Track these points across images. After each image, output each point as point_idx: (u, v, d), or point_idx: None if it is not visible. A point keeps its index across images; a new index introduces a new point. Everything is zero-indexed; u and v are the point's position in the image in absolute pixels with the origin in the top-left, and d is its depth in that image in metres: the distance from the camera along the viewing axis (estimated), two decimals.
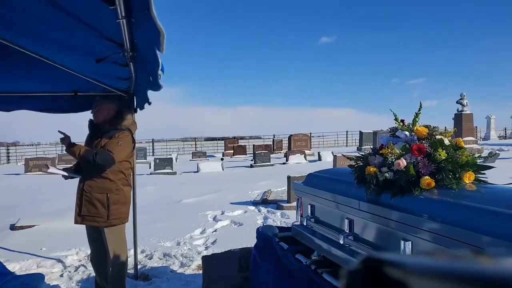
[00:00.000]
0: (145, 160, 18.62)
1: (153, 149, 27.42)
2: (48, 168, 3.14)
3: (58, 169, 3.28)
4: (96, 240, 3.26)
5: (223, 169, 14.83)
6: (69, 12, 1.77)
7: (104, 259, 3.30)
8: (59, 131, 3.20)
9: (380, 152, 1.73)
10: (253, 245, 2.81)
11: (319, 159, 17.85)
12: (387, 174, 1.63)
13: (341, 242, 1.83)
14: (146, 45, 1.87)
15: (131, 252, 4.06)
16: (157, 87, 2.89)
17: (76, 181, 3.29)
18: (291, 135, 24.12)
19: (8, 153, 25.83)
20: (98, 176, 3.11)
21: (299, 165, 15.71)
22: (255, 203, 7.71)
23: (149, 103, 3.59)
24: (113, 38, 1.99)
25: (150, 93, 3.10)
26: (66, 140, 3.13)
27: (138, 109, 3.75)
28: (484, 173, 1.60)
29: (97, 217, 3.11)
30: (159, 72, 2.30)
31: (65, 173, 3.19)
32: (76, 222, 3.18)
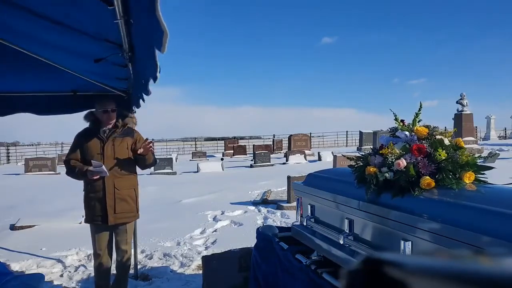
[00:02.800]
0: None
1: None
2: (101, 166, 2.98)
3: (104, 168, 3.06)
4: (107, 239, 3.26)
5: (223, 169, 14.82)
6: (68, 13, 1.77)
7: (109, 258, 3.29)
8: (149, 142, 3.14)
9: (380, 152, 1.72)
10: (253, 245, 2.81)
11: (319, 159, 17.85)
12: (387, 174, 1.63)
13: (341, 242, 1.83)
14: (144, 46, 1.87)
15: (131, 252, 4.06)
16: (146, 91, 2.91)
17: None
18: (291, 135, 24.11)
19: (8, 153, 25.83)
20: (127, 172, 3.19)
21: (299, 165, 15.70)
22: (255, 203, 7.71)
23: (137, 108, 3.64)
24: (112, 39, 1.99)
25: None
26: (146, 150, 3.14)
27: (134, 107, 3.75)
28: (484, 173, 1.60)
29: (129, 213, 3.20)
30: (158, 74, 2.29)
31: (107, 173, 3.06)
32: (110, 222, 3.12)
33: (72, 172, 3.16)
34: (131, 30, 1.81)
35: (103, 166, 3.00)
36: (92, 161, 3.03)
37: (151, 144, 3.14)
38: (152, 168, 14.59)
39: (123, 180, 3.16)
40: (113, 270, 3.39)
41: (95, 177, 3.07)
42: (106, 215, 3.10)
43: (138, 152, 3.13)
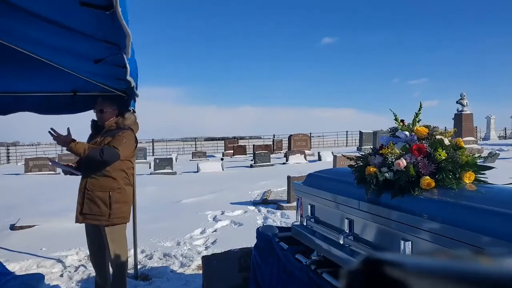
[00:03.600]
0: (145, 160, 18.61)
1: (153, 149, 27.41)
2: (50, 161, 3.16)
3: (59, 163, 3.28)
4: (96, 239, 3.25)
5: (223, 169, 14.82)
6: (68, 14, 1.77)
7: (103, 259, 3.30)
8: (51, 129, 3.02)
9: (380, 152, 1.72)
10: (253, 245, 2.81)
11: (319, 159, 17.85)
12: (387, 174, 1.63)
13: (341, 242, 1.83)
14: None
15: (131, 252, 4.05)
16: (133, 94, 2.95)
17: (77, 180, 3.28)
18: (291, 135, 24.11)
19: (8, 153, 25.83)
20: (101, 174, 3.10)
21: (299, 165, 15.70)
22: (255, 203, 7.71)
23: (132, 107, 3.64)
24: (111, 40, 1.99)
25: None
26: (63, 138, 3.00)
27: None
28: (484, 173, 1.60)
29: (99, 216, 3.10)
30: (129, 78, 2.31)
31: (67, 169, 3.16)
32: (77, 221, 3.15)
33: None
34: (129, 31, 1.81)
35: (52, 161, 3.33)
36: (48, 157, 3.18)
37: (51, 132, 3.01)
38: (152, 168, 14.61)
39: (96, 181, 3.10)
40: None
41: (67, 174, 3.28)
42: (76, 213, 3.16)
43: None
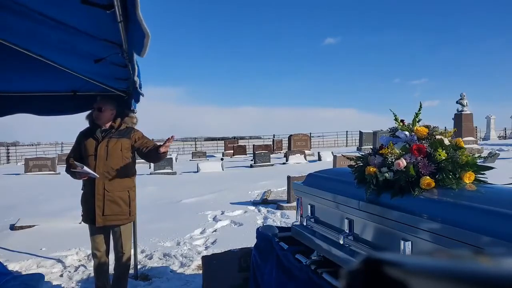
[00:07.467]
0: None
1: None
2: (83, 167, 2.95)
3: (88, 169, 3.05)
4: (104, 240, 3.26)
5: (223, 169, 14.82)
6: (68, 13, 1.77)
7: (106, 259, 3.30)
8: (170, 138, 3.02)
9: (380, 152, 1.72)
10: (253, 245, 2.81)
11: (319, 159, 17.85)
12: (387, 174, 1.63)
13: (341, 242, 1.83)
14: (132, 48, 1.88)
15: (131, 252, 4.05)
16: (137, 94, 2.92)
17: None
18: (291, 135, 24.10)
19: (8, 153, 25.83)
20: (118, 175, 3.13)
21: (299, 165, 15.71)
22: (255, 203, 7.71)
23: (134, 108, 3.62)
24: (112, 39, 1.99)
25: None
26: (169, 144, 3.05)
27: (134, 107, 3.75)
28: (484, 173, 1.60)
29: (120, 215, 3.15)
30: (136, 78, 2.31)
31: (96, 175, 3.04)
32: (98, 224, 3.10)
33: (68, 169, 3.20)
34: (129, 30, 1.81)
35: (85, 167, 2.98)
36: (75, 163, 3.02)
37: (172, 140, 3.02)
38: (152, 168, 14.60)
39: (115, 181, 3.11)
40: (113, 271, 3.38)
41: (83, 178, 3.10)
42: (95, 216, 3.10)
43: (161, 152, 3.01)
